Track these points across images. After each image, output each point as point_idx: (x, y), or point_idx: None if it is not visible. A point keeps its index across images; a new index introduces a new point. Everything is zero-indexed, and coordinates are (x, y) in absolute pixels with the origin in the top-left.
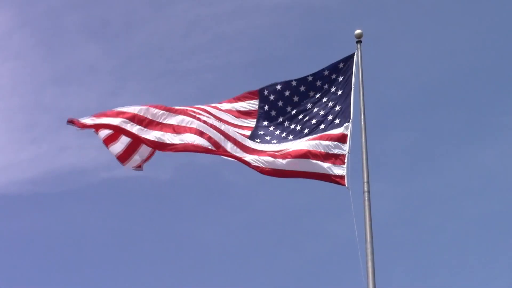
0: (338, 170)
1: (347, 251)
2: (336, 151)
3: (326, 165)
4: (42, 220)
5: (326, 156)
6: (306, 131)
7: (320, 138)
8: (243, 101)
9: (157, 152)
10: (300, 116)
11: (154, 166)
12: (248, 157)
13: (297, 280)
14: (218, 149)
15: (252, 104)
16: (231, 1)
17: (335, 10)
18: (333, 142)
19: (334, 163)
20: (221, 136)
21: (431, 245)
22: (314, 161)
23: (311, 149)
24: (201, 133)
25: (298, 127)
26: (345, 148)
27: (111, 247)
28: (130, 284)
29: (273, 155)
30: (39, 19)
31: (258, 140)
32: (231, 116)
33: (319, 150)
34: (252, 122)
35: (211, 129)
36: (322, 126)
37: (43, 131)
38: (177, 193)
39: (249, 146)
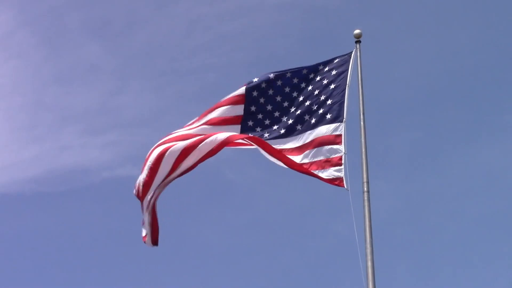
0: (336, 173)
1: (348, 251)
2: (332, 155)
3: (323, 171)
4: (44, 219)
5: (323, 163)
6: (298, 127)
7: (315, 145)
8: (229, 104)
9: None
10: (292, 109)
11: None
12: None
13: (297, 280)
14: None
15: (238, 108)
16: (232, 0)
17: (337, 9)
18: (327, 146)
19: (330, 167)
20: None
21: (433, 244)
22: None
23: (306, 161)
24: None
25: (290, 121)
26: (341, 150)
27: (113, 246)
28: (131, 284)
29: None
30: (41, 19)
31: (250, 134)
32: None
33: (315, 160)
34: (240, 111)
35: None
36: (313, 121)
37: (45, 130)
38: (178, 192)
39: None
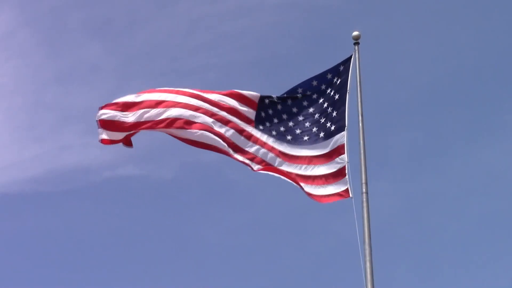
0: (341, 185)
1: (349, 251)
2: (336, 168)
3: (326, 186)
4: (45, 219)
5: (328, 177)
6: (306, 138)
7: (322, 161)
8: (242, 102)
9: (161, 151)
10: (300, 118)
11: (157, 165)
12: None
13: (297, 280)
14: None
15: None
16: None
17: (339, 8)
18: (332, 159)
19: (334, 180)
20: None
21: (433, 244)
22: (318, 186)
23: (308, 173)
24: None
25: (298, 131)
26: (344, 159)
27: (113, 246)
28: (133, 284)
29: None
30: (42, 18)
31: (261, 127)
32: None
33: (320, 174)
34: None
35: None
36: (321, 135)
37: (45, 130)
38: (180, 192)
39: (252, 134)
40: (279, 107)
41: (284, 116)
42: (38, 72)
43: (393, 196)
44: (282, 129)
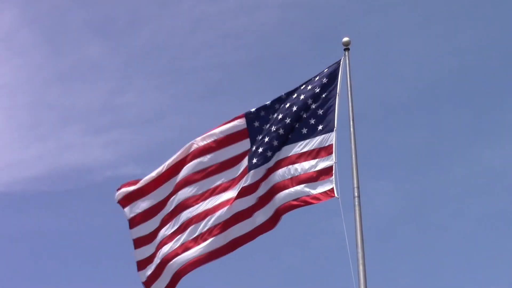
0: (327, 185)
1: (346, 253)
2: (323, 166)
3: (311, 184)
4: (46, 218)
5: (313, 175)
6: (290, 135)
7: (305, 158)
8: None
9: (161, 151)
10: (286, 120)
11: (158, 164)
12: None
13: (296, 280)
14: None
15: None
16: None
17: (340, 8)
18: (318, 158)
19: (320, 179)
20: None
21: (434, 244)
22: (298, 187)
23: (295, 175)
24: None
25: (281, 131)
26: (332, 159)
27: (114, 245)
28: (133, 284)
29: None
30: (44, 17)
31: (254, 160)
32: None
33: (304, 173)
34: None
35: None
36: (304, 131)
37: (47, 129)
38: None
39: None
40: (269, 119)
41: (273, 128)
42: (40, 71)
43: (393, 196)
44: (267, 139)
